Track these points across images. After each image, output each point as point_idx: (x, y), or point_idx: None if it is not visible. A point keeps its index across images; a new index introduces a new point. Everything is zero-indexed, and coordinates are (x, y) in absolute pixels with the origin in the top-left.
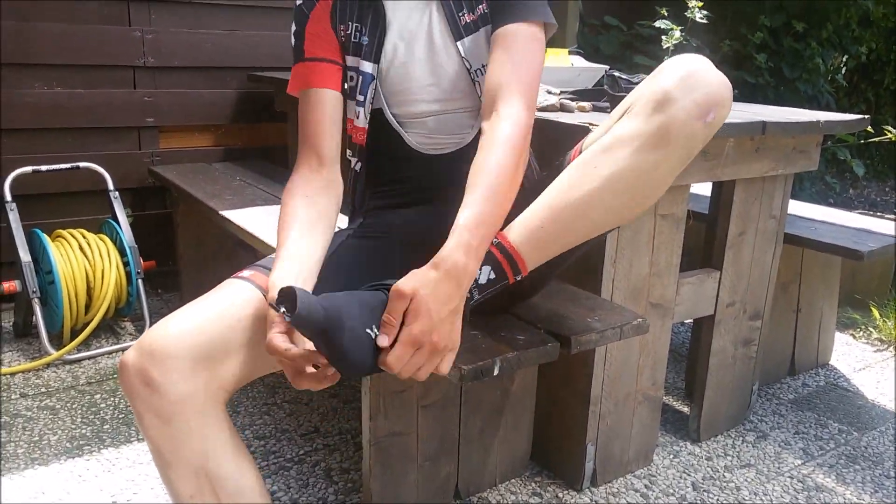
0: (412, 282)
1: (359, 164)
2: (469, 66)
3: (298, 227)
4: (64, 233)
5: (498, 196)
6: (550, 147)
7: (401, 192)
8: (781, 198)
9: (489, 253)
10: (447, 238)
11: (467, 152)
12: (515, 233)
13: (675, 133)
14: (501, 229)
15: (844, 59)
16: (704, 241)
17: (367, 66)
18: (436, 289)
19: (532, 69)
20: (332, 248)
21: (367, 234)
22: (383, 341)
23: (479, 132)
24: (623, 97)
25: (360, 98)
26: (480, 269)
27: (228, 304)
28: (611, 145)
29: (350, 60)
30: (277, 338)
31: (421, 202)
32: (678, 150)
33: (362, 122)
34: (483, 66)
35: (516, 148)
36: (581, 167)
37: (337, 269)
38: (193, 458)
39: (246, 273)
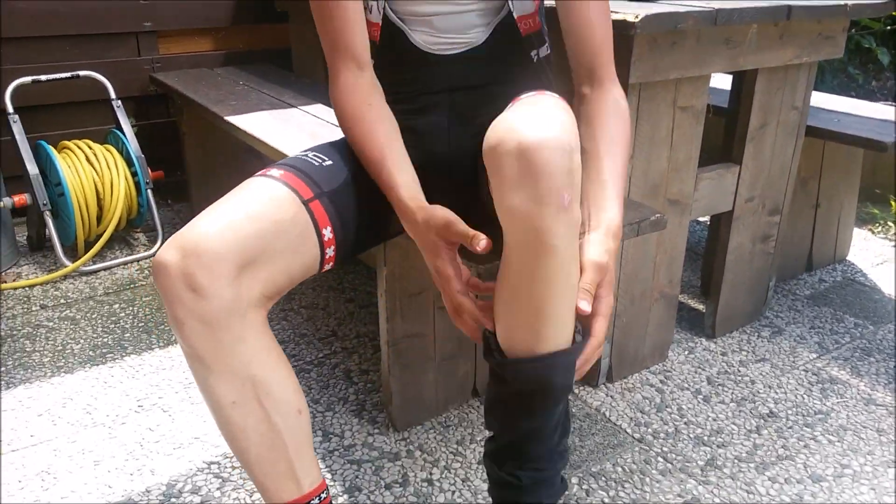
0: (604, 254)
1: (372, 63)
2: None
3: (385, 136)
4: (70, 144)
5: (626, 162)
6: None
7: (409, 96)
8: (805, 88)
9: None
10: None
11: (477, 53)
12: None
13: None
14: None
15: None
16: (724, 135)
17: None
18: (614, 258)
19: (611, 28)
20: (346, 157)
21: None
22: (587, 307)
23: (493, 35)
24: None
25: None
26: None
27: (265, 204)
28: None
29: None
30: (464, 299)
31: (431, 109)
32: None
33: (376, 16)
34: None
35: (628, 117)
36: None
37: (355, 181)
38: (237, 365)
39: (276, 173)
